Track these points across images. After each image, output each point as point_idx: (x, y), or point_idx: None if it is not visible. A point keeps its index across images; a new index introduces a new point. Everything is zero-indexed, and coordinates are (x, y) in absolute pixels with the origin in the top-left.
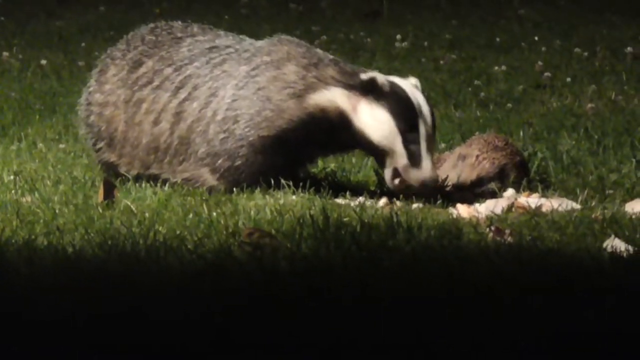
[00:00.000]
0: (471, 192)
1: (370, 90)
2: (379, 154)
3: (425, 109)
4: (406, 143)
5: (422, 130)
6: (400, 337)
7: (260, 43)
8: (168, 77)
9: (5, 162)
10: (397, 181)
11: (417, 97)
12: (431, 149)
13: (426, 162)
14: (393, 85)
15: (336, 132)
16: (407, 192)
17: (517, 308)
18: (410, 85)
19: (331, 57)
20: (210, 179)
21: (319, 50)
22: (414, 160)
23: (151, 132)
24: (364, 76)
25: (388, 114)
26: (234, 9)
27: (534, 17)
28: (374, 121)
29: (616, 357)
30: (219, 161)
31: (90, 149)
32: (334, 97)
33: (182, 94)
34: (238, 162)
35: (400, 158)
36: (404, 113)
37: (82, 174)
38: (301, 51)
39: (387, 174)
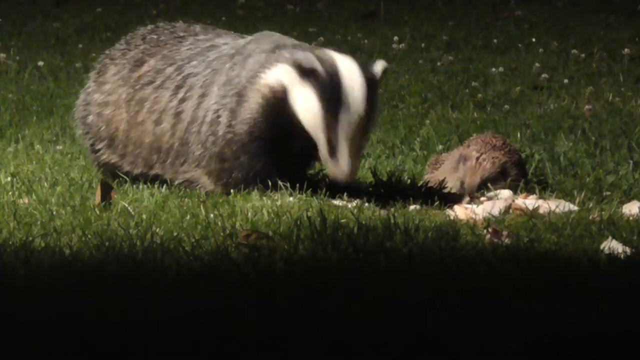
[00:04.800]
0: (477, 195)
1: (308, 73)
2: (313, 139)
3: (356, 97)
4: (328, 133)
5: (344, 121)
6: (398, 339)
7: (249, 38)
8: (169, 77)
9: (3, 164)
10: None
11: (352, 84)
12: (353, 139)
13: (342, 158)
14: (331, 71)
15: (290, 115)
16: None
17: (514, 310)
18: (353, 72)
19: (300, 43)
20: (208, 182)
21: (293, 41)
22: (332, 153)
23: (153, 132)
24: (306, 63)
25: (317, 100)
26: (231, 10)
27: (530, 18)
28: (304, 105)
29: (614, 358)
30: (212, 164)
31: (87, 150)
32: (278, 73)
33: (181, 94)
34: (227, 165)
35: (322, 149)
36: (329, 101)
37: (79, 176)
38: (271, 40)
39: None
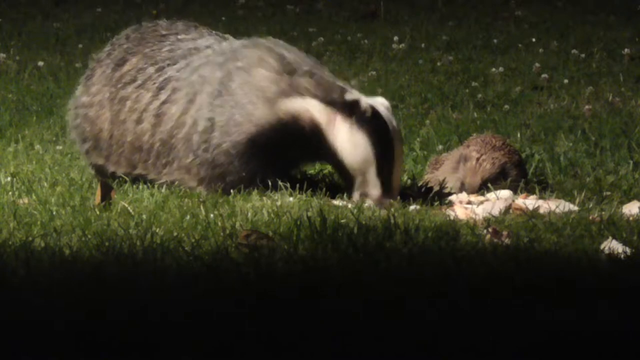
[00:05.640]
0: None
1: (352, 112)
2: (349, 175)
3: (398, 136)
4: (379, 172)
5: (395, 160)
6: (398, 338)
7: (236, 45)
8: (150, 77)
9: (3, 164)
10: (365, 204)
11: (392, 124)
12: (400, 171)
13: (395, 191)
14: (374, 111)
15: (308, 142)
16: None
17: (514, 310)
18: (385, 110)
19: (307, 66)
20: (197, 188)
21: (294, 56)
22: (385, 188)
23: (134, 131)
24: (348, 97)
25: (367, 141)
26: (231, 10)
27: (530, 18)
28: (351, 145)
29: (614, 358)
30: (202, 170)
31: (82, 153)
32: (309, 106)
33: (163, 96)
34: (218, 171)
35: (372, 187)
36: (380, 142)
37: (79, 176)
38: (274, 56)
39: (355, 195)
